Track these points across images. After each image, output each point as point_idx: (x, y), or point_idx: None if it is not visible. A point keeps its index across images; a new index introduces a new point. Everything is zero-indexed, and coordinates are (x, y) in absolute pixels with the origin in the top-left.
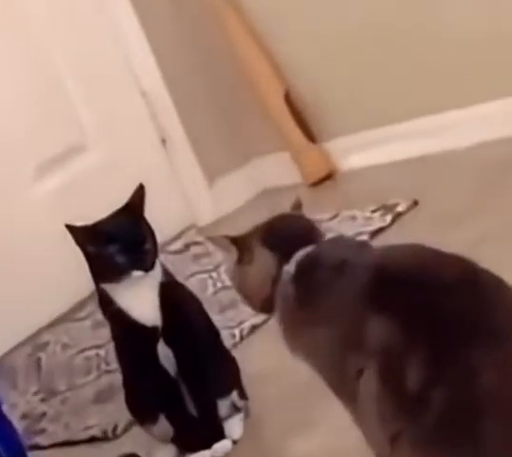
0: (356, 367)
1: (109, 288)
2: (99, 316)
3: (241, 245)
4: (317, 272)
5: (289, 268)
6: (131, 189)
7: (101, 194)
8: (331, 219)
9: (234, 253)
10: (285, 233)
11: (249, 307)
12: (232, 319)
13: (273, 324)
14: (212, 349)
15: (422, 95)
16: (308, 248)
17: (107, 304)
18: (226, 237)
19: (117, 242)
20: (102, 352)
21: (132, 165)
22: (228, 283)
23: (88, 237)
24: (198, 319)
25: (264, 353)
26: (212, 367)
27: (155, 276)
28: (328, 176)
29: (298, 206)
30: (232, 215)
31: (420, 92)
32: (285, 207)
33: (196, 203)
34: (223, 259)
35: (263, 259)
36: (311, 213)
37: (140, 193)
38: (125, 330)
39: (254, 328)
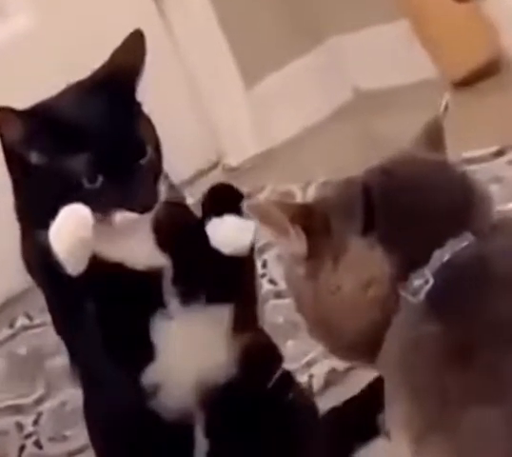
0: None
1: None
2: (18, 347)
3: (315, 224)
4: (481, 292)
5: (422, 281)
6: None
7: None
8: None
9: (300, 240)
10: (411, 205)
11: (322, 345)
12: (291, 358)
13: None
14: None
15: None
16: (460, 241)
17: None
18: (285, 206)
19: (89, 147)
20: (27, 420)
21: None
22: (286, 294)
23: (30, 133)
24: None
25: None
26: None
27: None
28: (492, 67)
29: (436, 133)
30: (293, 146)
31: None
32: (404, 137)
33: (224, 121)
34: (277, 248)
35: (364, 259)
36: (460, 150)
37: (135, 48)
38: (104, 286)
39: (333, 379)
